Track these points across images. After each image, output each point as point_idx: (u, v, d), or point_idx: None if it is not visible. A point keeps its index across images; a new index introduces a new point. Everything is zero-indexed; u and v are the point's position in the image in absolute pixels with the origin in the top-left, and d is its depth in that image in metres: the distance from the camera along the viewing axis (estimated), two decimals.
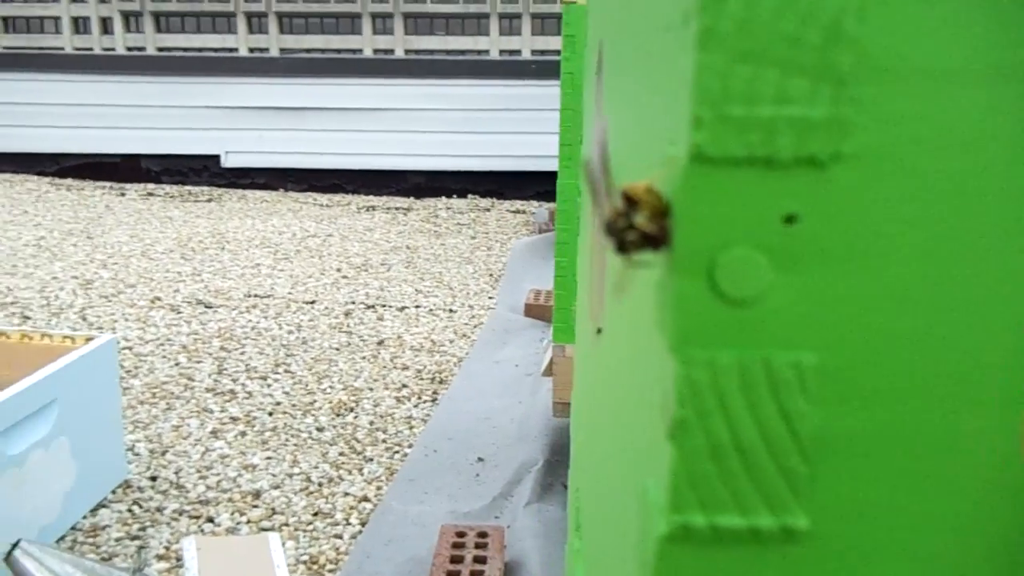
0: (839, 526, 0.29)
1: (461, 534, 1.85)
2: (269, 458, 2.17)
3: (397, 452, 2.27)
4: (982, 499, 0.29)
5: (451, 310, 3.50)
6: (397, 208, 5.69)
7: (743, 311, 0.28)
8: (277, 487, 2.04)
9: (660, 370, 0.30)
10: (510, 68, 6.27)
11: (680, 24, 0.29)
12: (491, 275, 4.04)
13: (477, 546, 1.81)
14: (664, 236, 0.28)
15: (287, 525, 1.90)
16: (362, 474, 2.14)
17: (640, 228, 0.28)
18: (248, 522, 1.89)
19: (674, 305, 0.28)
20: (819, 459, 0.28)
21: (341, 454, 2.23)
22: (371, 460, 2.21)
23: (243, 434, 2.28)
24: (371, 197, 6.04)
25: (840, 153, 0.27)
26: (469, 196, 6.04)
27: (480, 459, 2.32)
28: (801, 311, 0.28)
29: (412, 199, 6.01)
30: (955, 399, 0.28)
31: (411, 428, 2.42)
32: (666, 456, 0.29)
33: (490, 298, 3.69)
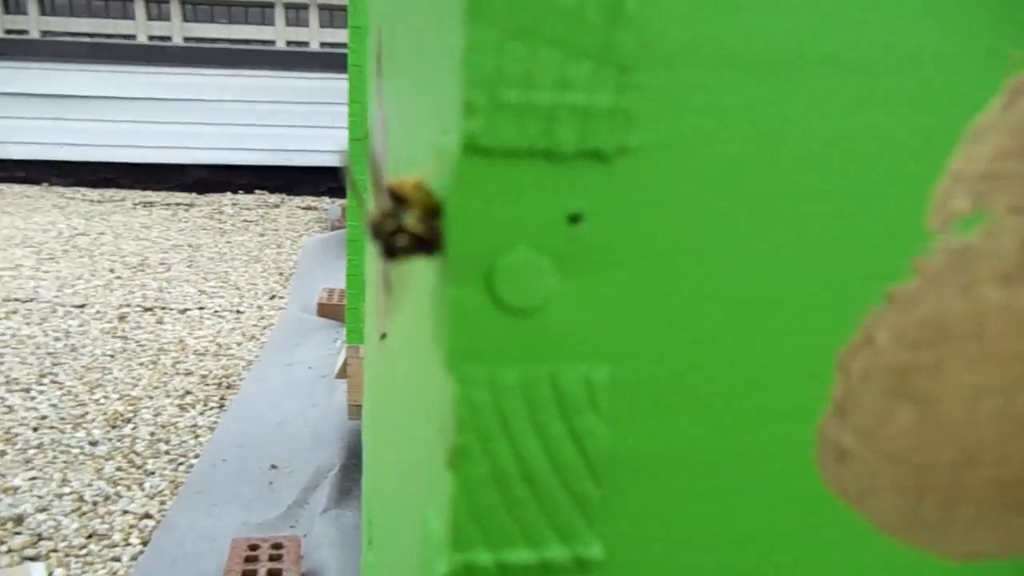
0: (635, 552, 0.27)
1: (254, 547, 1.76)
2: (34, 478, 1.97)
3: (182, 463, 2.13)
4: (777, 512, 0.27)
5: (239, 311, 3.34)
6: (178, 204, 5.38)
7: (526, 322, 0.25)
8: (44, 510, 1.86)
9: (438, 390, 0.27)
10: (297, 59, 6.07)
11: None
12: (281, 274, 3.90)
13: (272, 558, 1.73)
14: (437, 239, 0.25)
15: (56, 551, 1.73)
16: (143, 489, 1.99)
17: (410, 230, 0.25)
18: (9, 551, 1.71)
19: (449, 317, 0.24)
20: (612, 481, 0.26)
21: (119, 469, 2.06)
22: (152, 474, 2.06)
23: (3, 453, 2.06)
24: (149, 192, 5.67)
25: (625, 146, 0.24)
26: (257, 192, 5.81)
27: (273, 466, 2.23)
28: (590, 320, 0.25)
29: (194, 194, 5.70)
30: (750, 410, 0.26)
31: (196, 437, 2.28)
32: (446, 487, 0.26)
33: (281, 298, 3.55)
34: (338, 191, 5.68)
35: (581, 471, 0.26)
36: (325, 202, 5.63)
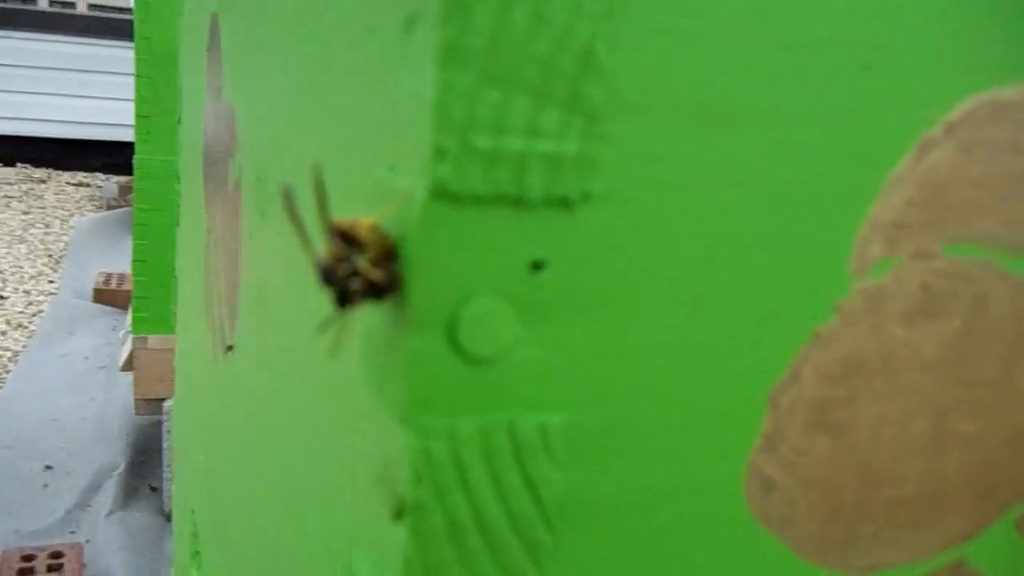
0: None
1: (28, 557, 1.62)
2: None
3: None
4: (711, 545, 0.28)
5: (2, 296, 3.05)
6: None
7: (485, 370, 0.24)
8: None
9: (380, 439, 0.26)
10: (63, 22, 5.58)
11: (399, 29, 0.24)
12: (51, 256, 3.59)
13: (50, 569, 1.60)
14: (392, 283, 0.24)
15: None
16: None
17: (365, 275, 0.23)
18: None
19: (407, 367, 0.23)
20: (563, 526, 0.26)
21: None
22: None
23: None
24: None
25: (589, 193, 0.24)
26: (19, 165, 5.30)
27: (48, 467, 2.07)
28: (547, 368, 0.25)
29: None
30: (692, 448, 0.27)
31: None
32: (395, 541, 0.25)
33: (51, 282, 3.27)
34: (113, 167, 5.28)
35: (535, 519, 0.25)
36: (99, 179, 5.23)
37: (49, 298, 3.09)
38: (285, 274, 0.42)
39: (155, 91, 1.95)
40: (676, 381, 0.27)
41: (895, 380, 0.29)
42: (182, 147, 0.92)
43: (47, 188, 4.90)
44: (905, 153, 0.27)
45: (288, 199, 0.24)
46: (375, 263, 0.23)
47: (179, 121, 0.93)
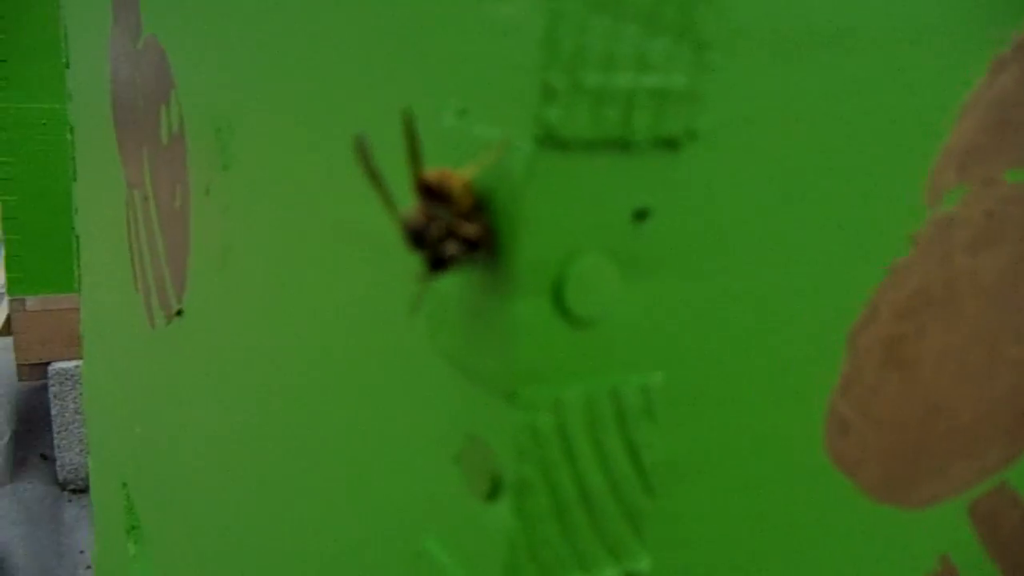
0: (678, 556, 0.25)
1: None
2: None
3: None
4: (792, 492, 0.27)
5: None
6: None
7: (589, 333, 0.22)
8: None
9: (464, 414, 0.23)
10: None
11: None
12: None
13: None
14: (483, 240, 0.21)
15: None
16: None
17: (463, 234, 0.20)
18: None
19: (513, 336, 0.21)
20: (663, 490, 0.24)
21: None
22: None
23: None
24: None
25: (694, 131, 0.22)
26: None
27: None
28: (648, 325, 0.23)
29: None
30: (777, 397, 0.26)
31: None
32: (492, 523, 0.22)
33: None
34: None
35: (636, 485, 0.23)
36: None
37: None
38: (262, 232, 0.38)
39: (11, 33, 1.79)
40: (764, 329, 0.25)
41: (958, 310, 0.29)
42: (73, 94, 0.84)
43: None
44: (979, 77, 0.26)
45: (363, 151, 0.21)
46: (470, 221, 0.21)
47: (66, 65, 0.85)
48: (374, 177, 0.21)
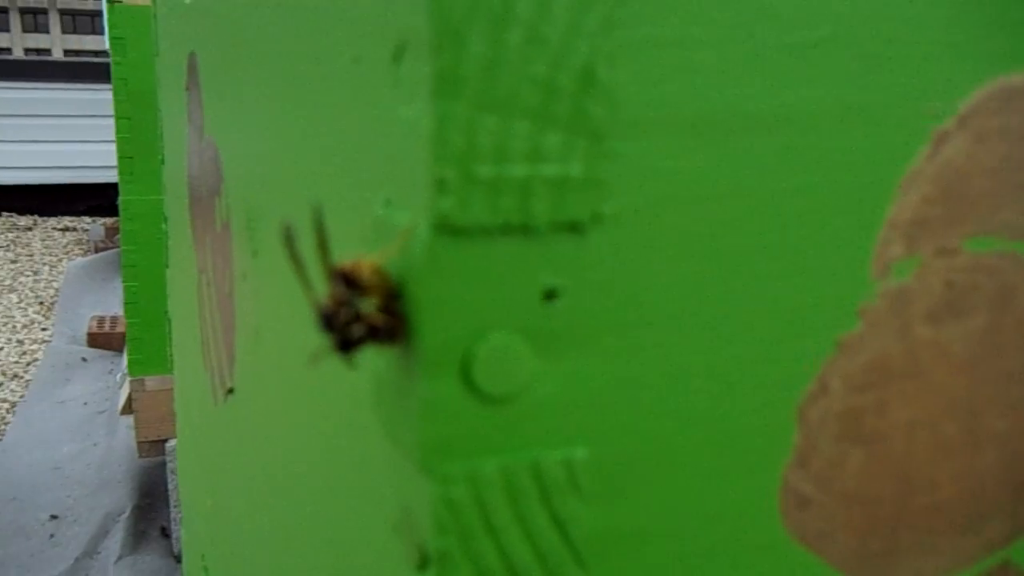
0: None
1: None
2: None
3: None
4: (747, 564, 0.27)
5: None
6: None
7: (504, 409, 0.23)
8: None
9: (398, 487, 0.25)
10: (39, 69, 5.55)
11: (388, 59, 0.23)
12: (42, 303, 3.56)
13: None
14: (397, 327, 0.22)
15: None
16: None
17: (368, 320, 0.22)
18: None
19: (422, 413, 0.22)
20: (596, 563, 0.25)
21: None
22: None
23: None
24: None
25: (600, 215, 0.23)
26: (4, 214, 5.27)
27: (54, 516, 2.05)
28: (567, 401, 0.24)
29: None
30: (721, 470, 0.26)
31: None
32: None
33: (44, 330, 3.25)
34: (99, 209, 5.26)
35: (566, 558, 0.24)
36: (85, 222, 5.20)
37: (43, 346, 3.07)
38: (282, 315, 0.41)
39: (136, 132, 1.94)
40: (702, 403, 0.25)
41: (925, 382, 0.28)
42: (166, 187, 0.91)
43: (34, 235, 4.87)
44: (919, 149, 0.26)
45: (288, 239, 0.23)
46: (380, 306, 0.22)
47: (162, 162, 0.92)
48: (297, 264, 0.23)
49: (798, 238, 0.26)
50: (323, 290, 0.23)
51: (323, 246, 0.22)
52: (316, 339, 0.33)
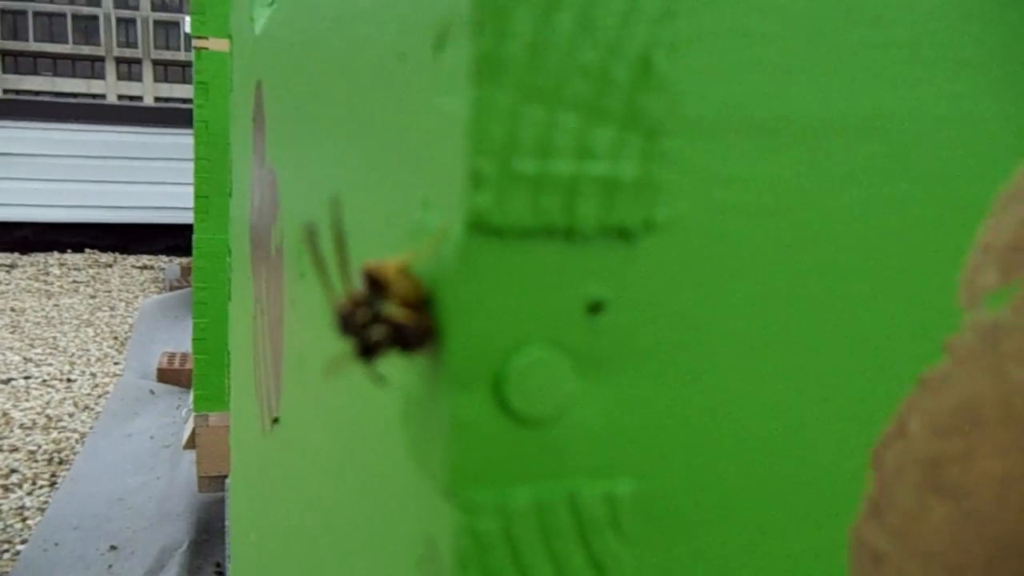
0: None
1: None
2: None
3: (6, 551, 1.93)
4: None
5: (69, 379, 3.10)
6: None
7: (540, 433, 0.21)
8: None
9: (422, 516, 0.22)
10: (130, 113, 5.78)
11: (430, 49, 0.21)
12: (116, 338, 3.65)
13: None
14: (424, 335, 0.20)
15: None
16: None
17: (391, 322, 0.20)
18: None
19: (449, 433, 0.20)
20: None
21: None
22: None
23: None
24: None
25: (652, 222, 0.21)
26: (87, 251, 5.45)
27: (113, 547, 2.06)
28: (611, 427, 0.21)
29: (16, 254, 5.30)
30: (784, 518, 0.23)
31: (24, 520, 2.08)
32: None
33: (116, 364, 3.32)
34: (176, 249, 5.42)
35: None
36: (162, 260, 5.35)
37: (114, 379, 3.13)
38: (320, 339, 0.39)
39: (212, 172, 1.99)
40: (762, 439, 0.23)
41: (1020, 432, 0.25)
42: (232, 220, 0.92)
43: (113, 272, 5.02)
44: (1019, 166, 0.24)
45: (310, 238, 0.21)
46: (404, 310, 0.20)
47: (230, 194, 0.93)
48: (319, 265, 0.21)
49: (878, 258, 0.23)
50: (343, 291, 0.21)
51: (339, 241, 0.20)
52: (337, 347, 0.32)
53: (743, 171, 0.21)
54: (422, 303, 0.21)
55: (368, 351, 0.20)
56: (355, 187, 0.28)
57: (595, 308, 0.21)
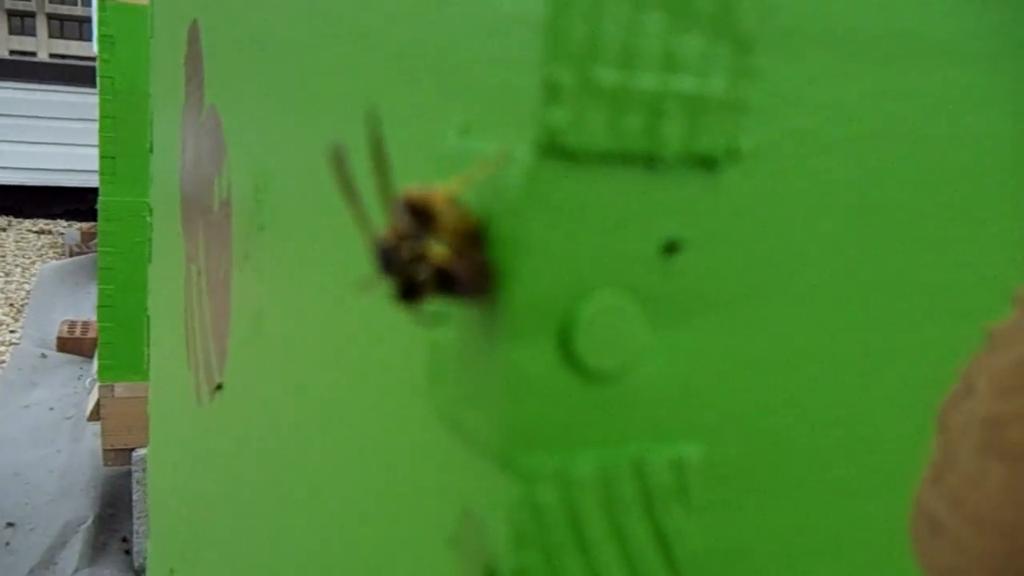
0: None
1: None
2: None
3: None
4: None
5: None
6: None
7: (607, 390, 0.18)
8: None
9: (453, 487, 0.19)
10: (23, 70, 5.46)
11: None
12: (12, 305, 3.47)
13: None
14: (476, 277, 0.17)
15: None
16: None
17: (437, 261, 0.17)
18: None
19: (505, 391, 0.17)
20: None
21: None
22: None
23: None
24: None
25: (737, 150, 0.18)
26: None
27: (10, 524, 1.97)
28: (683, 384, 0.19)
29: None
30: (850, 485, 0.21)
31: None
32: None
33: (12, 332, 3.16)
34: (76, 213, 5.17)
35: None
36: (61, 225, 5.10)
37: (10, 348, 2.97)
38: (292, 294, 0.35)
39: (120, 131, 1.88)
40: (831, 398, 0.21)
41: None
42: (154, 176, 0.85)
43: (8, 236, 4.76)
44: None
45: (338, 161, 0.18)
46: (454, 248, 0.17)
47: (150, 150, 0.87)
48: (348, 190, 0.18)
49: (955, 197, 0.21)
50: (380, 223, 0.18)
51: (380, 164, 0.17)
52: (342, 314, 0.28)
53: (828, 95, 0.19)
54: (472, 238, 0.18)
55: (410, 293, 0.17)
56: (386, 98, 0.25)
57: (671, 248, 0.18)
